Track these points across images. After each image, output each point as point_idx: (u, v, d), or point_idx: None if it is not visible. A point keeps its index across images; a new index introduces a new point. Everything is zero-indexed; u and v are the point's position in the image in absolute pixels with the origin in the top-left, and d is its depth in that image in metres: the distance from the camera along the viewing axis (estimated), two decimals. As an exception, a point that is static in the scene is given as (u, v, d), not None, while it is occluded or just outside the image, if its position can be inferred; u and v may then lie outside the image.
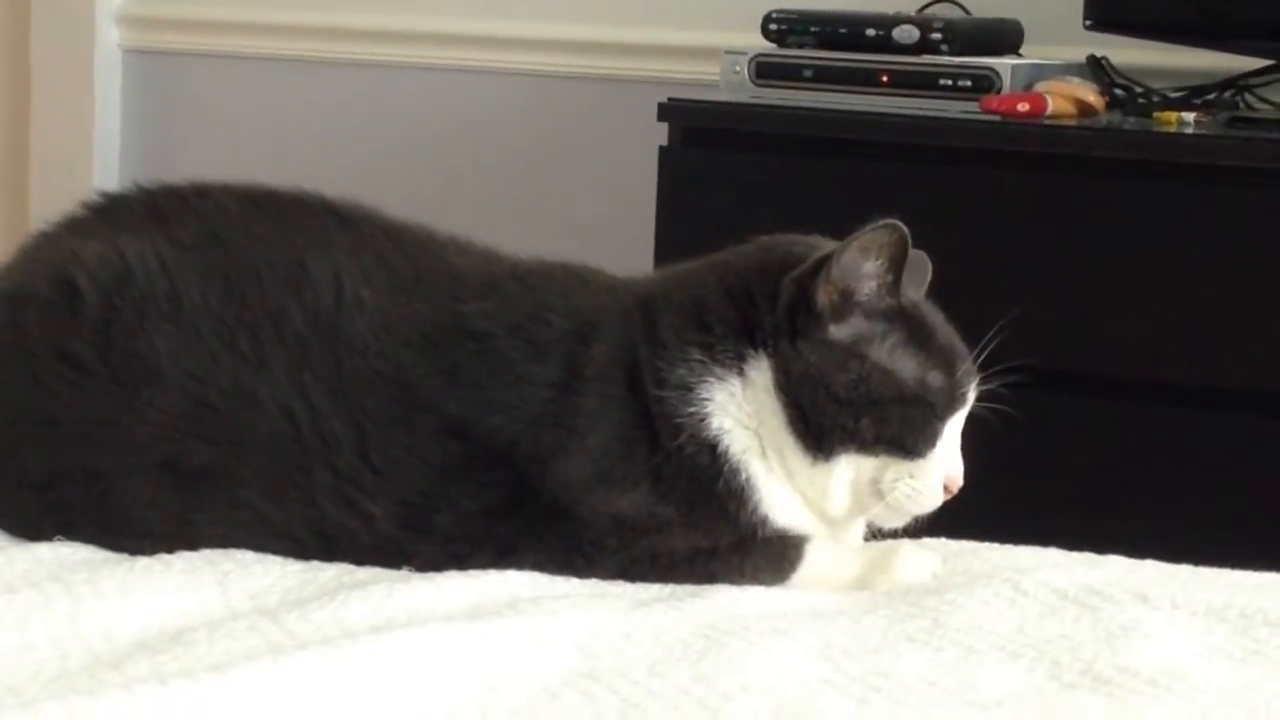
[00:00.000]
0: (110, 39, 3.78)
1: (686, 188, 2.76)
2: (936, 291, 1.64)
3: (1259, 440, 2.48)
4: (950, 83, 2.76)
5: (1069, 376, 2.53)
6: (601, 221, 3.36)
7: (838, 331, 1.55)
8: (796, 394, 1.54)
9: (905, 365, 1.55)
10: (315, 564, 1.52)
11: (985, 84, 2.73)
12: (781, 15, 2.93)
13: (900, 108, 2.74)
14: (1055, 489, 2.55)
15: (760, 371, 1.55)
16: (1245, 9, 2.84)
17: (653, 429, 1.53)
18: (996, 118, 2.65)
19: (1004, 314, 1.66)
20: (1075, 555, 1.67)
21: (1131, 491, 2.53)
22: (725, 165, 2.77)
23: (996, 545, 1.69)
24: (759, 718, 1.23)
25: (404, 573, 1.50)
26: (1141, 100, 2.81)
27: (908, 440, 1.55)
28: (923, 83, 2.78)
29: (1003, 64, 2.77)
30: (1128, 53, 2.91)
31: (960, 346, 1.59)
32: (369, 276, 1.58)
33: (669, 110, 2.78)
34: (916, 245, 1.56)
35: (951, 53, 2.82)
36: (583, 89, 3.45)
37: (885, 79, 2.79)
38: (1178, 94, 2.84)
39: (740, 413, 1.54)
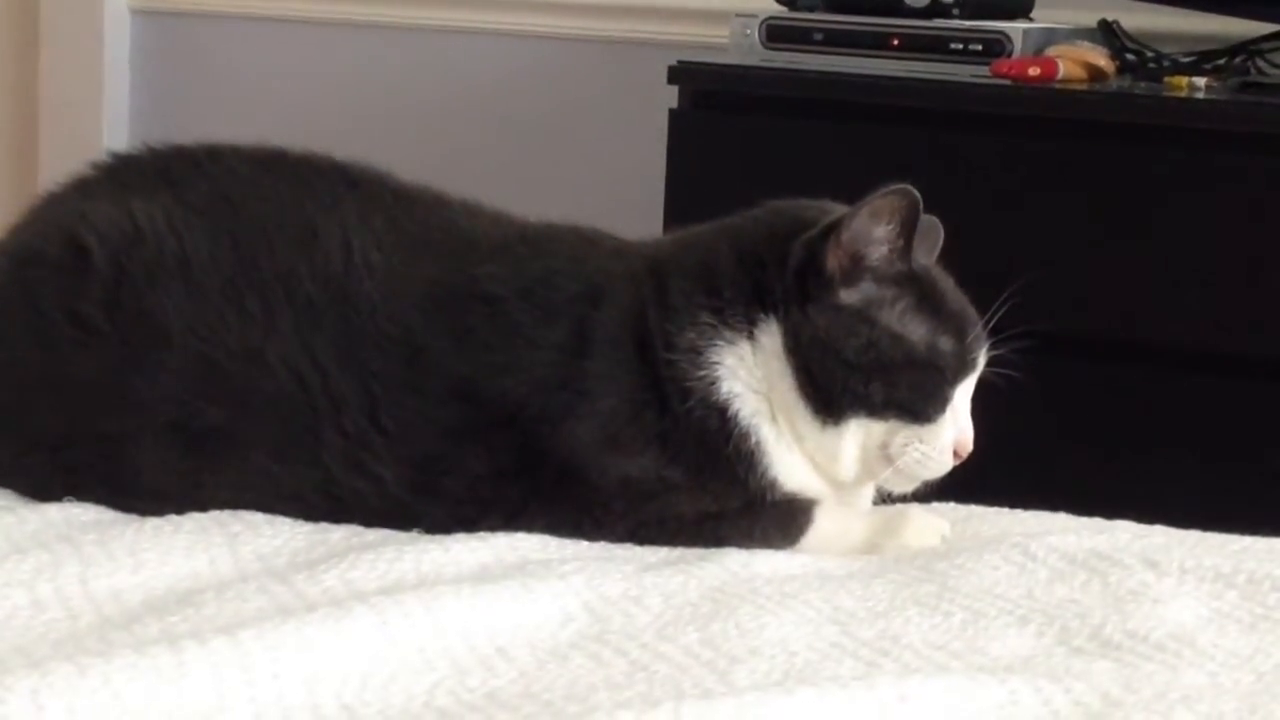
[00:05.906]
0: (119, 0, 3.77)
1: (696, 151, 2.75)
2: (947, 256, 1.63)
3: (1269, 405, 2.47)
4: (961, 46, 2.75)
5: (1079, 342, 2.53)
6: (611, 185, 3.35)
7: (848, 296, 1.55)
8: (806, 358, 1.54)
9: (915, 330, 1.55)
10: (324, 526, 1.52)
11: (996, 48, 2.72)
12: (792, -22, 2.92)
13: (911, 71, 2.73)
14: (1065, 454, 2.55)
15: (770, 335, 1.54)
16: (1257, -27, 2.83)
17: (662, 393, 1.53)
18: (1007, 82, 2.64)
19: (1014, 279, 1.65)
20: (1084, 520, 1.67)
21: (1141, 457, 2.52)
22: (735, 129, 2.76)
23: (1005, 510, 1.70)
24: (767, 681, 1.23)
25: (413, 535, 1.50)
26: (1152, 65, 2.80)
27: (917, 405, 1.54)
28: (933, 46, 2.76)
29: (1014, 28, 2.75)
30: (1139, 17, 2.90)
31: (971, 311, 1.59)
32: (379, 239, 1.58)
33: (679, 73, 2.77)
34: (927, 210, 1.55)
35: (962, 16, 2.80)
36: (592, 51, 3.44)
37: (896, 42, 2.78)
38: (1188, 59, 2.82)
39: (750, 377, 1.54)
